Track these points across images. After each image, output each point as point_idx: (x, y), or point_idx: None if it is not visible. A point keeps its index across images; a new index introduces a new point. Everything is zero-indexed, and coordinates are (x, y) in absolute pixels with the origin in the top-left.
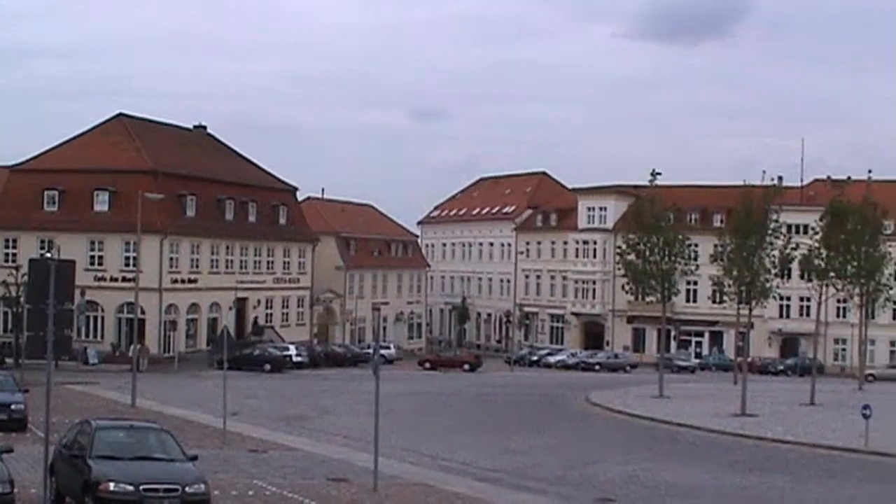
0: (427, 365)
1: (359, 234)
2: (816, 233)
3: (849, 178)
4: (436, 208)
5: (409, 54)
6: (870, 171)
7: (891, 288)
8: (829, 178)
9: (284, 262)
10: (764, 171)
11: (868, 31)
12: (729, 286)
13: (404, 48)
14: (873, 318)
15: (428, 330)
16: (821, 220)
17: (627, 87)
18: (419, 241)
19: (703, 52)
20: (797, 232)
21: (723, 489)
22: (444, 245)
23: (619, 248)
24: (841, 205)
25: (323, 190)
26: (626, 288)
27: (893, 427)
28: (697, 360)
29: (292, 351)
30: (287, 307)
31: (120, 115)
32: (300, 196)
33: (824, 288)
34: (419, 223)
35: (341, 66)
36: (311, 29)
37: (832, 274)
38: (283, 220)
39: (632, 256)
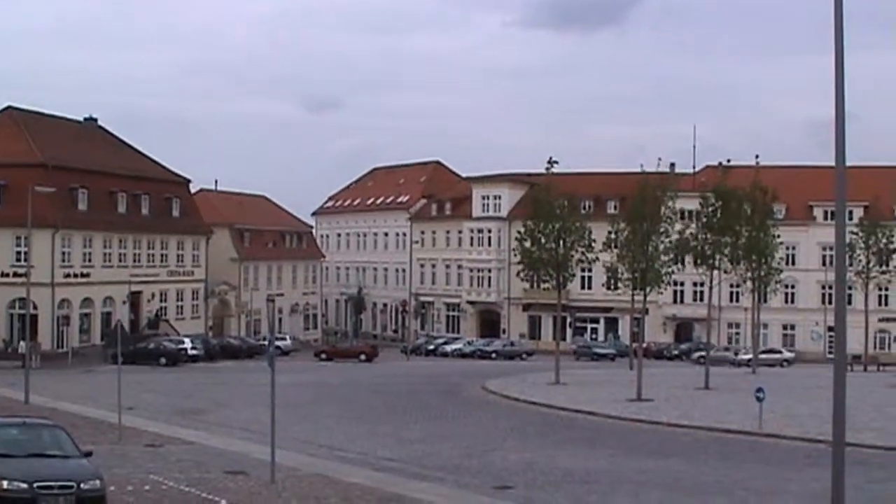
0: (323, 356)
1: (253, 226)
2: (705, 217)
3: (728, 160)
4: (330, 199)
5: (302, 44)
6: (757, 157)
7: (781, 272)
8: (720, 164)
9: (178, 255)
10: (660, 159)
11: (757, 18)
12: (623, 273)
13: (298, 38)
14: (765, 301)
15: (324, 321)
16: (707, 205)
17: (521, 75)
18: (314, 231)
19: (597, 40)
20: (690, 218)
21: (620, 474)
22: (339, 236)
23: (518, 233)
24: (726, 189)
25: (216, 182)
26: (522, 275)
27: (786, 409)
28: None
29: (187, 344)
30: (181, 300)
31: (9, 107)
32: (193, 188)
33: (714, 273)
34: (314, 214)
35: (234, 56)
36: (203, 19)
37: (719, 258)
38: (176, 213)
39: (528, 243)
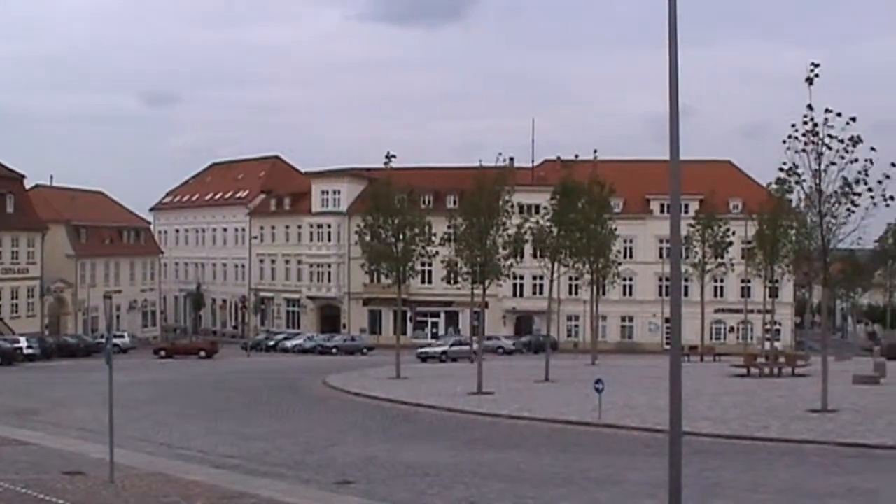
0: (162, 353)
1: (90, 222)
2: (548, 212)
3: (576, 155)
4: (168, 194)
5: (139, 37)
6: (595, 151)
7: (620, 264)
8: (558, 158)
9: (13, 252)
10: (500, 154)
11: (596, 13)
12: (463, 266)
13: (134, 31)
14: (604, 294)
15: (163, 318)
16: (552, 199)
17: (363, 70)
18: (152, 227)
19: (440, 35)
20: (529, 211)
21: (461, 466)
22: (178, 231)
23: (358, 227)
24: (570, 183)
25: (52, 177)
26: (364, 269)
27: (625, 400)
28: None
29: (23, 343)
30: (16, 298)
31: None
32: (28, 184)
33: (555, 266)
34: (152, 210)
35: (69, 49)
36: (36, 11)
37: (563, 252)
38: (10, 209)
39: (368, 238)
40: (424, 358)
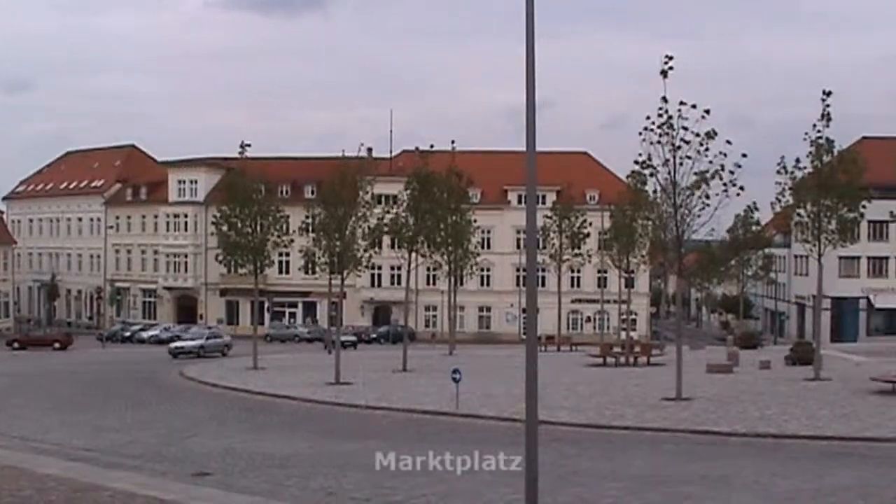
0: (16, 345)
1: None
2: (404, 202)
3: (431, 146)
4: (22, 183)
5: None
6: (453, 142)
7: (478, 255)
8: (417, 148)
9: None
10: (361, 144)
11: (456, 4)
12: (321, 257)
13: None
14: (462, 284)
15: (16, 309)
16: (407, 188)
17: (222, 58)
18: (5, 217)
19: (302, 24)
20: (388, 202)
21: (319, 457)
22: (32, 221)
23: (215, 217)
24: (426, 173)
25: None
26: (220, 260)
27: (483, 389)
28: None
29: None
30: None
31: None
32: None
33: (413, 256)
34: (5, 199)
35: None
36: None
37: (420, 242)
38: None
39: (225, 228)
40: (176, 354)
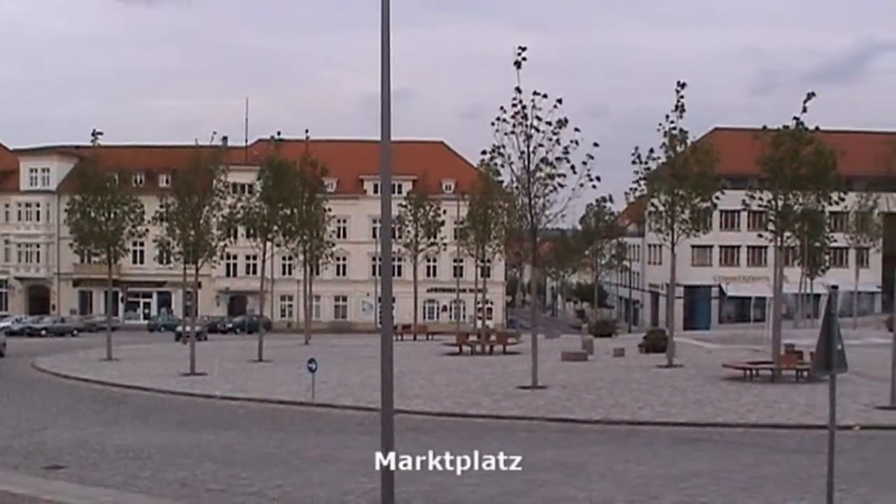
0: None
1: None
2: (259, 191)
3: (278, 132)
4: None
5: None
6: (307, 131)
7: (333, 244)
8: (272, 137)
9: None
10: (214, 133)
11: None
12: (175, 246)
13: None
14: (318, 274)
15: None
16: (259, 178)
17: (77, 45)
18: None
19: (160, 11)
20: (242, 191)
21: (174, 448)
22: None
23: (68, 206)
24: (279, 162)
25: None
26: (74, 249)
27: (339, 379)
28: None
29: None
30: None
31: None
32: None
33: (268, 245)
34: None
35: None
36: None
37: (274, 231)
38: None
39: (78, 217)
40: None
